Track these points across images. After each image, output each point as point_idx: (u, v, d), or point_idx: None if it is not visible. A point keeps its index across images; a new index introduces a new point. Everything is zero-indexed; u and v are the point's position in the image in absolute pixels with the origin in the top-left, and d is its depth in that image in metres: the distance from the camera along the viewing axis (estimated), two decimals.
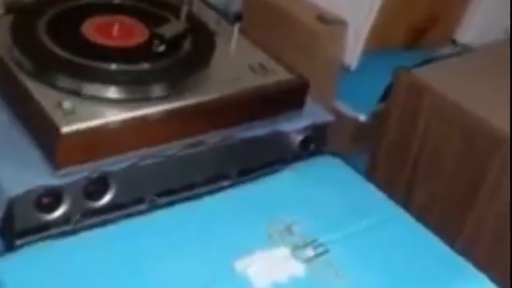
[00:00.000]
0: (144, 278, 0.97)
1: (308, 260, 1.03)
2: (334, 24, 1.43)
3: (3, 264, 0.93)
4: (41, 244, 1.00)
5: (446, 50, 1.61)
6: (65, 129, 1.05)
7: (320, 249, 1.04)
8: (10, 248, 1.09)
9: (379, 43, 1.45)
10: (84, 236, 1.00)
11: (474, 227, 1.37)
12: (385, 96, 1.47)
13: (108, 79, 1.14)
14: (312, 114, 1.32)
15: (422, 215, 1.16)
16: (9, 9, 1.26)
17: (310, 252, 1.04)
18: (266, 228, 1.03)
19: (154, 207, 1.18)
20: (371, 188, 1.17)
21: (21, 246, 1.07)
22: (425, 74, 1.37)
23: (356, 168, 1.23)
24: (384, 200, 1.15)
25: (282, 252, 1.04)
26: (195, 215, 1.05)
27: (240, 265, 1.00)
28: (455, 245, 1.19)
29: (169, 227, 1.02)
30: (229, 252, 1.01)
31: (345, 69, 1.45)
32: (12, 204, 1.05)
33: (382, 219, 1.11)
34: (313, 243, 1.05)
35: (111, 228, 1.01)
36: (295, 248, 1.05)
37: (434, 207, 1.36)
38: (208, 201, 1.09)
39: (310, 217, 1.07)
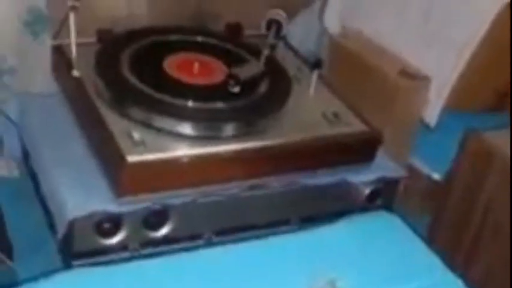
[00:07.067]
0: None
1: None
2: (417, 79, 1.42)
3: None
4: (80, 270, 1.01)
5: None
6: (131, 158, 1.09)
7: None
8: (67, 268, 1.14)
9: (460, 103, 1.43)
10: (122, 266, 1.00)
11: None
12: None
13: (181, 115, 1.17)
14: (383, 168, 1.31)
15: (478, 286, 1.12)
16: (100, 38, 1.32)
17: None
18: (307, 280, 1.00)
19: (210, 244, 1.20)
20: (425, 250, 1.12)
21: (78, 267, 1.11)
22: (497, 138, 1.32)
23: (418, 228, 1.20)
24: (437, 265, 1.10)
25: None
26: (235, 260, 1.03)
27: None
28: None
29: (208, 269, 1.00)
30: None
31: (424, 125, 1.43)
32: (73, 226, 1.10)
33: (431, 284, 1.06)
34: None
35: (149, 263, 1.01)
36: None
37: (492, 281, 1.30)
38: (251, 247, 1.07)
39: (356, 274, 1.03)
